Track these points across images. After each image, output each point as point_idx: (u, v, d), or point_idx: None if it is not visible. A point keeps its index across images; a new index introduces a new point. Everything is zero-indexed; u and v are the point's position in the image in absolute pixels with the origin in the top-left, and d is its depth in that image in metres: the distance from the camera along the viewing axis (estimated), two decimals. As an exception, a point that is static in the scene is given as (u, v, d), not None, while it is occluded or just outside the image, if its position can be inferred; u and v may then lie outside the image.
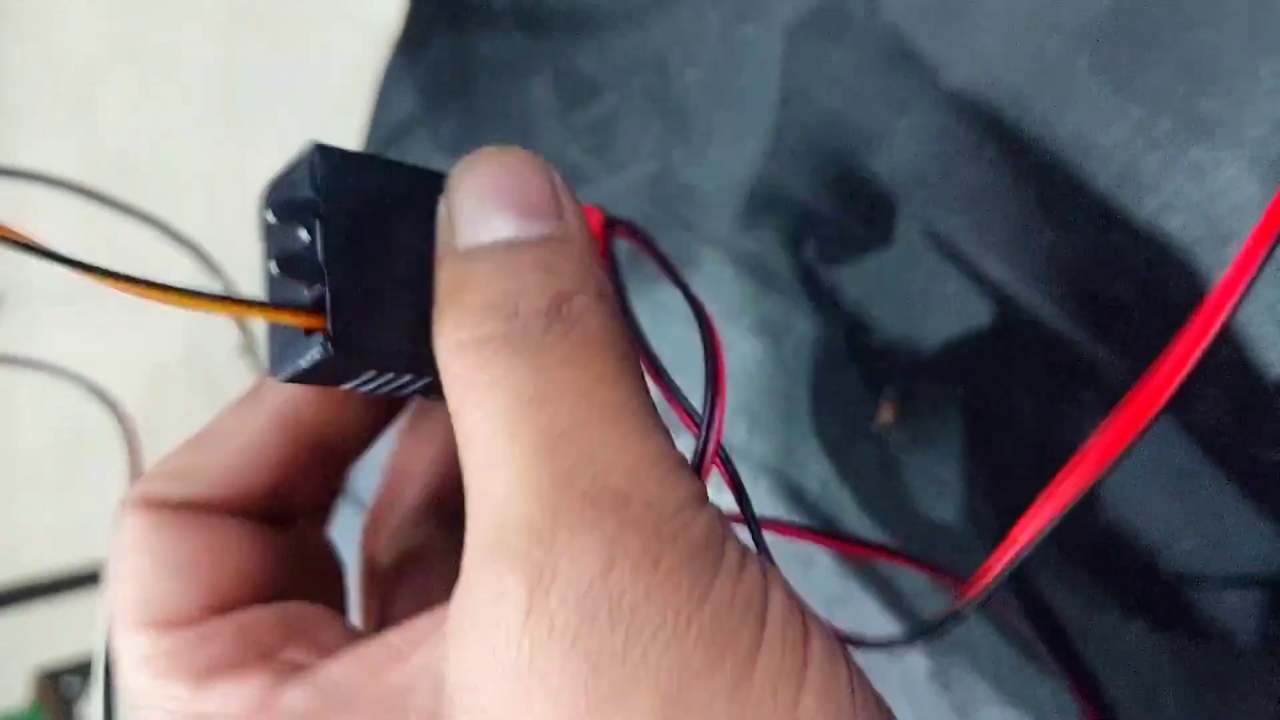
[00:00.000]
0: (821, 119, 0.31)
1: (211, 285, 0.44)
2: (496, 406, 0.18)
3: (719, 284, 0.34)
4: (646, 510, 0.18)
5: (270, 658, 0.21)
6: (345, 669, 0.20)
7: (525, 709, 0.17)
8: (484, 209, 0.20)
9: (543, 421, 0.18)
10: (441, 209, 0.21)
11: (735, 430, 0.34)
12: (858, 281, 0.31)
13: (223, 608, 0.21)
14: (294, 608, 0.22)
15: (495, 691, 0.17)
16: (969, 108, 0.28)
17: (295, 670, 0.20)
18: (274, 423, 0.23)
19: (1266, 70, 0.24)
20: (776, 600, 0.18)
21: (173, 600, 0.21)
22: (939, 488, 0.30)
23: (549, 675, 0.17)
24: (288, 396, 0.23)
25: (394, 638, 0.20)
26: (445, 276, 0.20)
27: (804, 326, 0.33)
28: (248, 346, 0.46)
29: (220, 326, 0.41)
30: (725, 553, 0.18)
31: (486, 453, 0.18)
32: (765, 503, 0.34)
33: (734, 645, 0.17)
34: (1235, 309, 0.21)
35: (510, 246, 0.20)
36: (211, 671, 0.20)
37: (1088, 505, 0.26)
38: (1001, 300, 0.28)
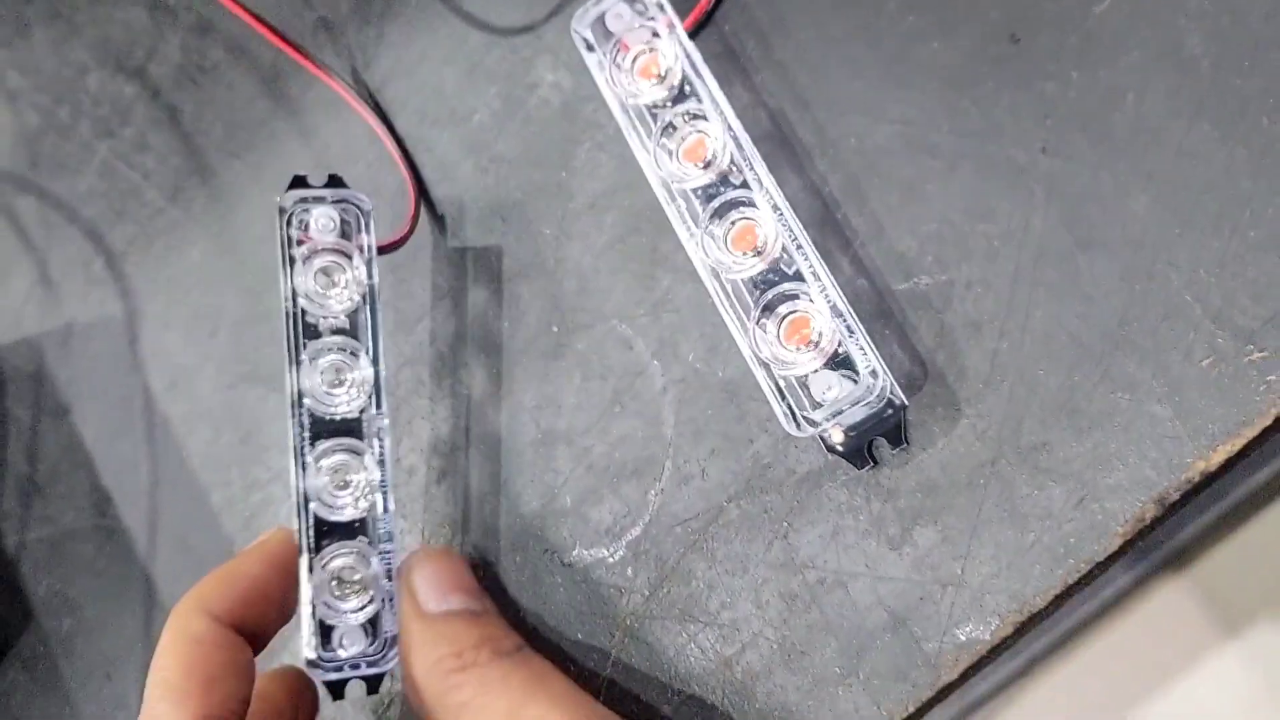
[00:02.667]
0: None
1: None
2: (491, 711, 0.30)
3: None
4: None
5: None
6: None
7: None
8: (442, 588, 0.34)
9: (532, 714, 0.30)
10: (398, 590, 0.34)
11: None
12: None
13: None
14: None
15: None
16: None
17: None
18: (274, 565, 0.34)
19: None
20: None
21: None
22: None
23: None
24: (287, 547, 0.34)
25: None
26: (419, 628, 0.33)
27: None
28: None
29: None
30: None
31: None
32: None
33: None
34: None
35: (469, 612, 0.34)
36: None
37: None
38: None
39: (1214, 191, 0.30)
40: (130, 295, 0.47)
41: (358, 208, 0.38)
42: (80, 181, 0.49)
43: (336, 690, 0.33)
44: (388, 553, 0.35)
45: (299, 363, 0.36)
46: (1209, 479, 0.29)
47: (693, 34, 0.37)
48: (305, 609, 0.33)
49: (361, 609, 0.34)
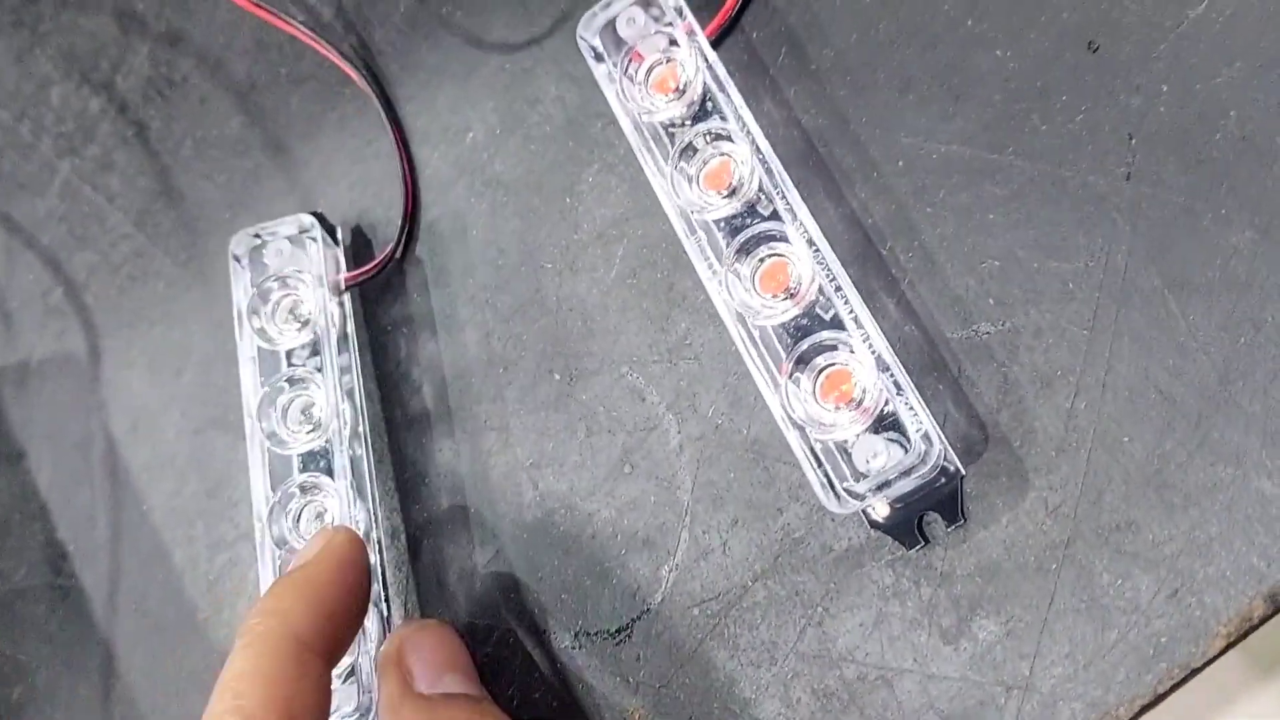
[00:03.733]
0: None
1: None
2: None
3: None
4: None
5: None
6: None
7: None
8: (438, 666, 0.30)
9: None
10: (389, 652, 0.30)
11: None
12: None
13: None
14: None
15: None
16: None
17: None
18: (349, 574, 0.29)
19: None
20: None
21: None
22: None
23: None
24: (357, 550, 0.30)
25: None
26: (410, 710, 0.29)
27: None
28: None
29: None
30: None
31: None
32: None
33: None
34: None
35: (467, 697, 0.30)
36: None
37: None
38: None
39: (1336, 226, 0.25)
40: (91, 329, 0.43)
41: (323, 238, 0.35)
42: (40, 204, 0.45)
43: None
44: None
45: (261, 407, 0.33)
46: (1331, 570, 0.25)
47: (716, 42, 0.33)
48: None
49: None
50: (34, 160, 0.45)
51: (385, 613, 0.32)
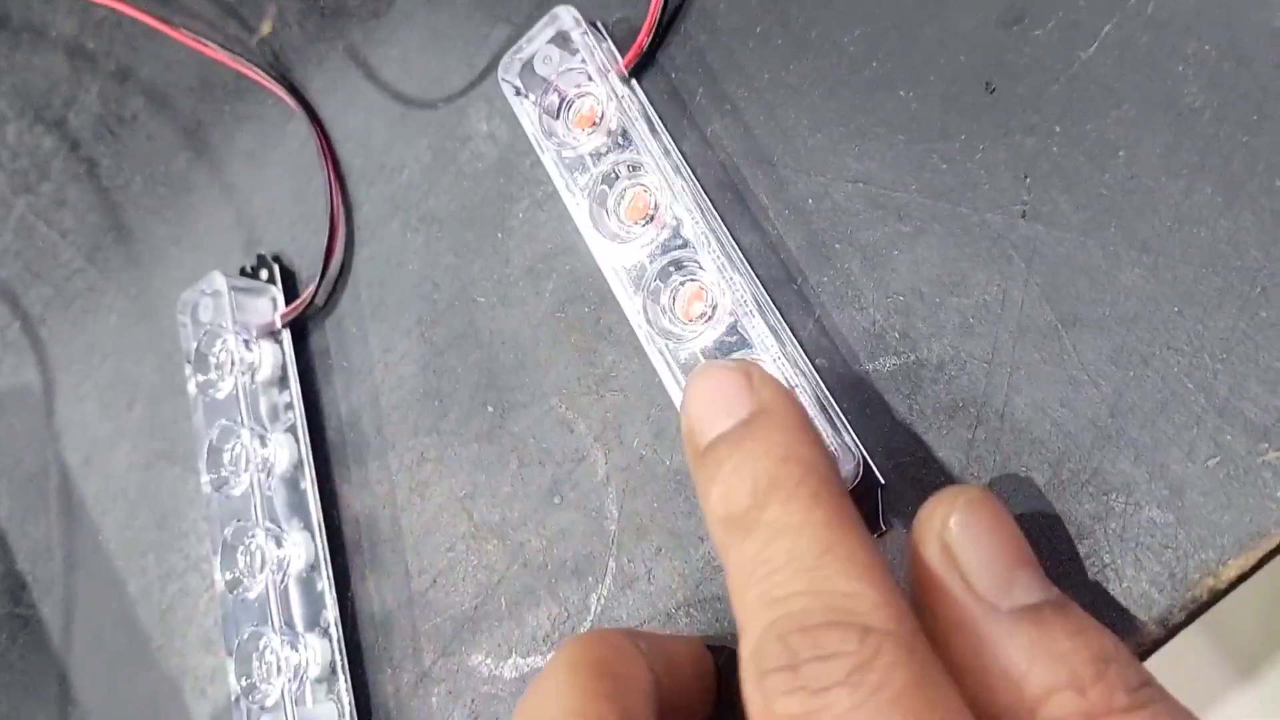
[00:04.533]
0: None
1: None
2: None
3: None
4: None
5: None
6: None
7: None
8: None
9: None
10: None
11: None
12: None
13: None
14: None
15: None
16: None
17: None
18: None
19: None
20: None
21: None
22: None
23: None
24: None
25: None
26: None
27: None
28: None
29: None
30: None
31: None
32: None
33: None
34: None
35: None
36: None
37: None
38: None
39: (1218, 263, 0.26)
40: (46, 363, 0.44)
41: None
42: (-4, 239, 0.46)
43: None
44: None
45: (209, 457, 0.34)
46: (1218, 596, 0.25)
47: (635, 74, 0.33)
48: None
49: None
50: (-11, 196, 0.46)
51: (338, 636, 0.34)
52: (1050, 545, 0.27)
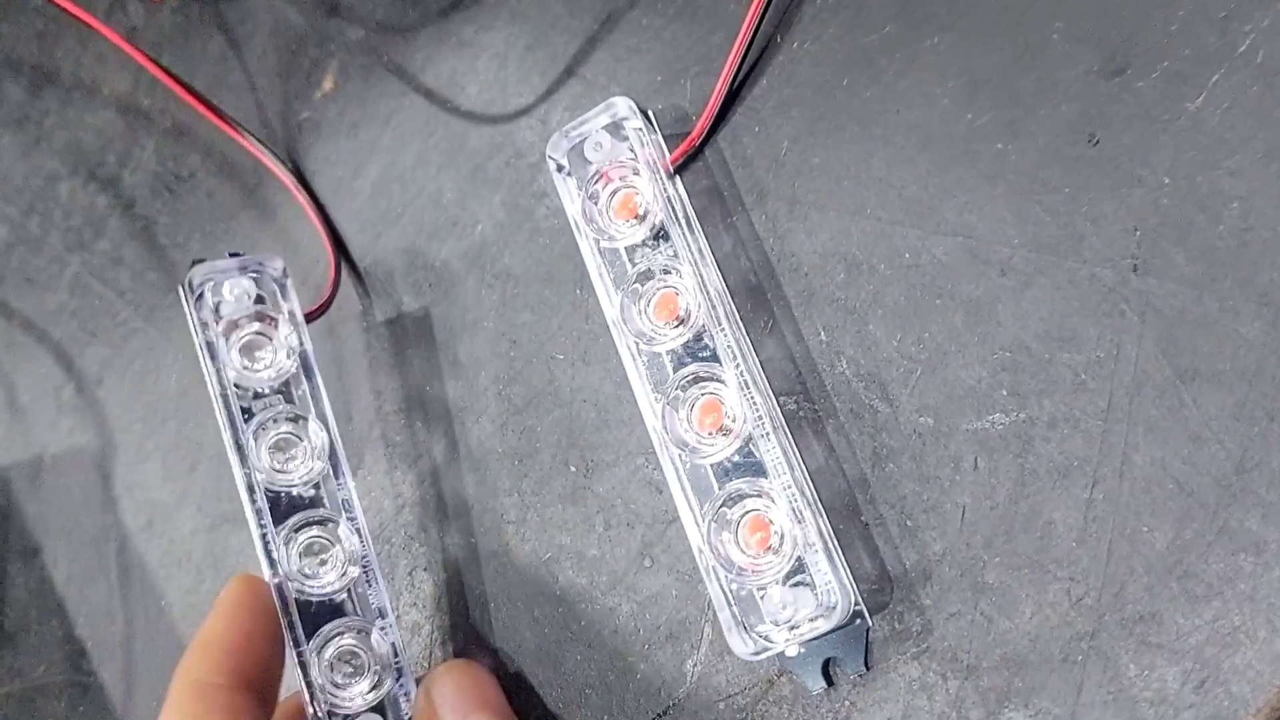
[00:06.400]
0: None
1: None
2: None
3: None
4: None
5: None
6: None
7: None
8: (467, 702, 0.31)
9: None
10: (420, 702, 0.32)
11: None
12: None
13: None
14: None
15: None
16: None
17: None
18: (227, 612, 0.31)
19: None
20: None
21: None
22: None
23: None
24: (238, 585, 0.32)
25: None
26: None
27: None
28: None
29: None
30: None
31: None
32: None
33: None
34: None
35: None
36: None
37: None
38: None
39: (1344, 316, 0.25)
40: (104, 424, 0.43)
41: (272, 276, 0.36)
42: (50, 298, 0.45)
43: None
44: (385, 628, 0.33)
45: (241, 445, 0.34)
46: (1357, 659, 0.25)
47: (680, 168, 0.33)
48: (309, 709, 0.31)
49: (372, 690, 0.32)
50: (43, 255, 0.45)
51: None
52: (1176, 608, 0.26)
